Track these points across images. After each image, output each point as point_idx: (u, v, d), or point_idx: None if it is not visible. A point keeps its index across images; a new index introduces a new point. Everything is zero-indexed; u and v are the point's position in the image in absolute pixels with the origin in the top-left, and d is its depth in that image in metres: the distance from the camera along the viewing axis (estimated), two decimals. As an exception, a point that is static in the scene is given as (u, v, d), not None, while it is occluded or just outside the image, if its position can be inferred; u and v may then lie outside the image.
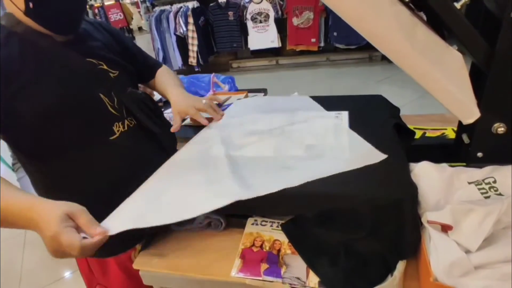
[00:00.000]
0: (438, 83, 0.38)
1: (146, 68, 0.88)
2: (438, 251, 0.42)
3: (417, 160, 0.58)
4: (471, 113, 0.42)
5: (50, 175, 0.70)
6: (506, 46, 0.47)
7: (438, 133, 0.87)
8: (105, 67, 0.72)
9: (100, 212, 0.55)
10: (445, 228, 0.43)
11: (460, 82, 0.40)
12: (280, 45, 4.25)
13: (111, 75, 0.73)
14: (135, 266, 0.58)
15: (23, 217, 0.50)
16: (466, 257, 0.40)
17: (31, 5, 0.58)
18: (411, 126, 0.92)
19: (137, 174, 0.65)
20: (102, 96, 0.70)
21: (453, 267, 0.40)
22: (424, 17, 0.58)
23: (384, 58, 4.31)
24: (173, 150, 0.77)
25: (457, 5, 0.48)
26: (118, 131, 0.72)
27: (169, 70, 0.94)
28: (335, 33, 4.07)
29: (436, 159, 0.62)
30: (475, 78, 0.57)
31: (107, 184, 0.71)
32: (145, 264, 0.58)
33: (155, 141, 0.78)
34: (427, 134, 0.87)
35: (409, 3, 0.50)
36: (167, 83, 0.87)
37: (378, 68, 4.19)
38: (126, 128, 0.73)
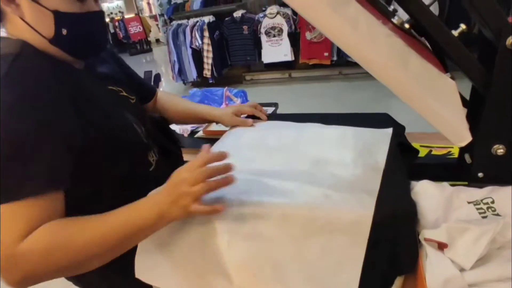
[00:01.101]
0: (430, 108, 0.41)
1: (145, 90, 0.85)
2: (434, 268, 0.43)
3: (421, 178, 0.60)
4: (462, 137, 0.44)
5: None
6: (502, 71, 0.49)
7: (444, 151, 0.88)
8: (124, 93, 0.69)
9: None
10: (441, 246, 0.45)
11: (452, 108, 0.43)
12: (293, 58, 4.31)
13: (131, 101, 0.70)
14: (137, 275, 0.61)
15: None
16: (460, 275, 0.42)
17: (64, 31, 0.55)
18: (417, 144, 0.94)
19: None
20: (134, 125, 0.65)
21: (447, 284, 0.42)
22: (427, 42, 0.61)
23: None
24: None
25: (455, 33, 0.51)
26: (153, 161, 0.68)
27: (171, 93, 0.94)
28: (348, 48, 4.10)
29: (439, 178, 0.64)
30: (474, 101, 0.59)
31: None
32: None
33: (174, 161, 0.77)
34: (433, 152, 0.89)
35: (410, 29, 0.53)
36: (191, 106, 0.90)
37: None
38: (157, 156, 0.70)
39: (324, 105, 3.39)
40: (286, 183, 0.58)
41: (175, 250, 0.55)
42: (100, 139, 0.57)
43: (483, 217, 0.49)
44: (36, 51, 0.56)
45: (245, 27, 4.35)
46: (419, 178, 0.60)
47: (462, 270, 0.43)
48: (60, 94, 0.53)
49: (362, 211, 0.49)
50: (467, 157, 0.62)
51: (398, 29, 0.46)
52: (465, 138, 0.43)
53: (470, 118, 0.62)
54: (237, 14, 4.33)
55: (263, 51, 4.39)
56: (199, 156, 0.51)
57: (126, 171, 0.61)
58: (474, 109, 0.58)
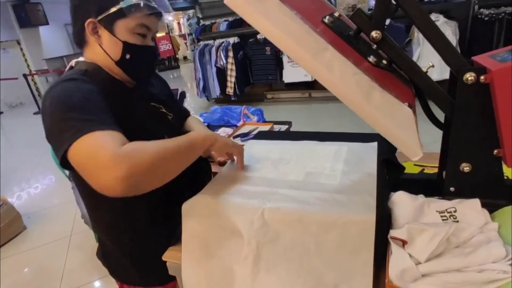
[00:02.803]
0: (389, 131, 0.51)
1: (181, 113, 1.02)
2: (394, 260, 0.53)
3: (407, 191, 0.69)
4: (415, 153, 0.54)
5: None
6: (462, 101, 0.59)
7: (436, 170, 0.96)
8: (164, 110, 0.85)
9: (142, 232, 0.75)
10: (404, 243, 0.55)
11: (407, 130, 0.53)
12: (313, 79, 4.44)
13: (169, 117, 0.86)
14: (164, 258, 0.73)
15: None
16: (414, 266, 0.51)
17: (128, 56, 0.74)
18: (411, 163, 1.02)
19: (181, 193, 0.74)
20: (166, 137, 0.76)
21: (404, 273, 0.51)
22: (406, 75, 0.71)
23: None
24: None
25: (424, 69, 0.62)
26: None
27: (197, 118, 1.12)
28: (367, 70, 4.18)
29: (420, 191, 0.73)
30: (446, 124, 0.69)
31: (162, 215, 0.81)
32: (172, 257, 0.73)
33: (200, 176, 0.88)
34: (426, 171, 0.97)
35: (388, 65, 0.65)
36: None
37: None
38: None
39: (340, 125, 3.47)
40: (295, 191, 0.68)
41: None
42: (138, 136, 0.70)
43: (444, 223, 0.58)
44: (101, 70, 0.76)
45: (267, 48, 4.56)
46: (406, 191, 0.69)
47: (418, 263, 0.52)
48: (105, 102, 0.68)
49: (367, 209, 0.58)
50: (444, 174, 0.71)
51: (373, 66, 0.58)
52: (418, 154, 0.54)
53: (444, 139, 0.72)
54: (261, 36, 4.55)
55: (284, 71, 4.56)
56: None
57: None
58: (446, 131, 0.68)
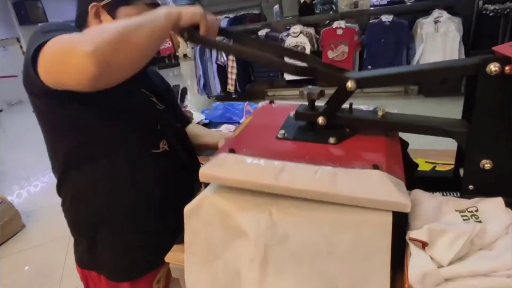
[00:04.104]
0: (365, 199, 0.53)
1: (182, 117, 1.05)
2: (415, 263, 0.49)
3: (421, 189, 0.66)
4: (404, 207, 0.51)
5: (79, 181, 0.79)
6: (484, 94, 0.56)
7: (448, 168, 0.93)
8: (154, 99, 0.85)
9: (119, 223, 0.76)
10: (424, 245, 0.51)
11: (383, 190, 0.52)
12: (315, 76, 4.40)
13: (159, 107, 0.86)
14: (166, 259, 0.70)
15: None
16: (437, 270, 0.47)
17: None
18: (422, 160, 0.99)
19: (165, 191, 0.77)
20: (147, 121, 0.82)
21: (425, 277, 0.47)
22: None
23: (420, 92, 4.30)
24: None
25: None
26: (162, 148, 0.83)
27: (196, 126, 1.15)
28: (369, 67, 4.16)
29: (436, 189, 0.69)
30: (465, 118, 0.66)
31: (134, 196, 0.80)
32: (175, 258, 0.70)
33: (184, 172, 0.90)
34: (437, 168, 0.93)
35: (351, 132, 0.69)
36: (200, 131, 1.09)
37: (413, 102, 4.18)
38: (168, 149, 0.85)
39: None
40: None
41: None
42: (121, 108, 0.75)
43: (466, 223, 0.55)
44: None
45: (269, 45, 4.52)
46: (420, 189, 0.66)
47: (440, 266, 0.49)
48: None
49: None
50: (461, 171, 0.67)
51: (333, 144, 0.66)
52: (406, 207, 0.51)
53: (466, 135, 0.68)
54: (262, 32, 4.51)
55: (285, 68, 4.52)
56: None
57: (136, 138, 0.78)
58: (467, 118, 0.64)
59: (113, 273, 0.83)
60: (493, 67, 0.52)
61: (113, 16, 0.74)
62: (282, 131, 0.70)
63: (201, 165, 0.96)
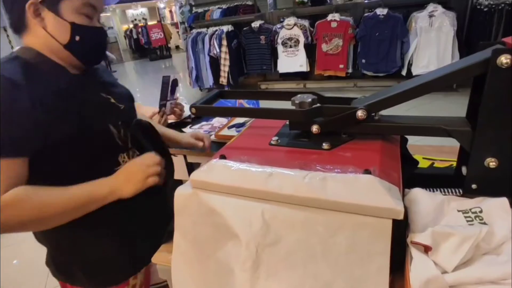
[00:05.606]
0: (357, 206, 0.50)
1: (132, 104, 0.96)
2: (417, 268, 0.46)
3: (419, 187, 0.62)
4: (397, 213, 0.47)
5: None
6: (494, 87, 0.52)
7: (446, 164, 0.90)
8: (113, 100, 0.79)
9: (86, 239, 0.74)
10: (427, 249, 0.48)
11: (376, 195, 0.49)
12: (309, 69, 4.37)
13: (119, 107, 0.80)
14: (153, 260, 0.66)
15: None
16: (441, 276, 0.44)
17: (77, 38, 0.69)
18: (420, 156, 0.96)
19: (138, 201, 0.71)
20: (111, 127, 0.75)
21: (428, 283, 0.44)
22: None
23: (413, 87, 4.28)
24: (172, 177, 0.83)
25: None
26: (123, 161, 0.77)
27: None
28: (363, 60, 4.13)
29: (436, 188, 0.66)
30: (472, 115, 0.62)
31: (108, 212, 0.72)
32: (162, 259, 0.66)
33: None
34: (435, 165, 0.91)
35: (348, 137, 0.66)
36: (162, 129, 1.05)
37: (406, 97, 4.16)
38: (130, 158, 0.79)
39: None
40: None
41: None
42: (74, 133, 0.68)
43: (470, 225, 0.52)
44: (41, 56, 0.69)
45: (262, 37, 4.45)
46: (418, 187, 0.63)
47: (445, 272, 0.45)
48: (36, 91, 0.64)
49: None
50: (463, 169, 0.64)
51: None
52: (398, 213, 0.47)
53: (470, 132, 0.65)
54: (255, 24, 4.43)
55: (279, 61, 4.47)
56: (157, 157, 0.74)
57: (90, 163, 0.73)
58: (472, 122, 0.61)
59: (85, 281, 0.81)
60: (504, 59, 0.49)
61: (56, 11, 0.66)
62: (276, 138, 0.70)
63: (172, 157, 0.90)
